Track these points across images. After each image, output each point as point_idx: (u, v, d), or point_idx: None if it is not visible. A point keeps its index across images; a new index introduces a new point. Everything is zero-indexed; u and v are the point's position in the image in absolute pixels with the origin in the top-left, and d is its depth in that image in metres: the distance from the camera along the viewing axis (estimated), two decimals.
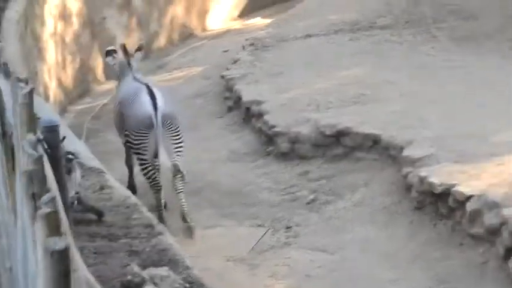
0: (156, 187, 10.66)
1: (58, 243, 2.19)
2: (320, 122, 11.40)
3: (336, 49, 14.97)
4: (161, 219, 9.83)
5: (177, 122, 10.83)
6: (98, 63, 18.49)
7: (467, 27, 15.16)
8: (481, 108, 11.01)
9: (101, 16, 18.72)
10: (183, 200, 10.40)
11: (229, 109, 14.08)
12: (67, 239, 2.29)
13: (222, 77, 15.04)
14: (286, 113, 12.09)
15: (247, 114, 13.16)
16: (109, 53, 11.70)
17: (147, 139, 10.53)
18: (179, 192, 10.46)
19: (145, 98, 10.65)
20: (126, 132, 10.92)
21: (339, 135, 11.06)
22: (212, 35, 21.50)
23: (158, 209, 10.39)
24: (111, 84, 17.85)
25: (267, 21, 19.88)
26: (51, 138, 4.11)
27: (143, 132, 10.55)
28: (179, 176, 10.45)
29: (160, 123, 10.48)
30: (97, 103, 16.97)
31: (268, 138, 11.98)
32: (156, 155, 10.49)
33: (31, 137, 3.46)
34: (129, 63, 11.45)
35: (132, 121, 10.71)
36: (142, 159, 10.66)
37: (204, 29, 21.98)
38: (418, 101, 11.50)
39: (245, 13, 22.95)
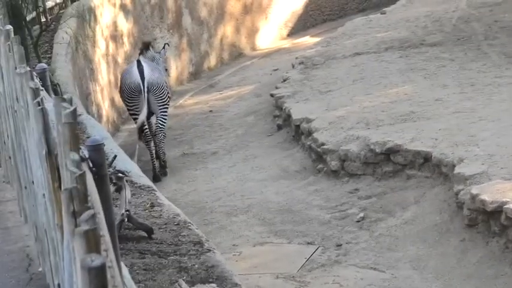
0: (146, 138, 13.80)
1: (95, 260, 2.15)
2: (370, 139, 11.26)
3: (385, 67, 14.85)
4: (154, 168, 13.25)
5: (161, 88, 13.64)
6: None
7: None
8: None
9: (152, 37, 18.85)
10: (162, 152, 13.62)
11: (279, 127, 14.07)
12: (105, 257, 2.24)
13: (272, 95, 15.07)
14: (335, 131, 12.00)
15: (297, 132, 13.12)
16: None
17: (138, 102, 13.56)
18: (159, 144, 13.61)
19: (135, 70, 13.57)
20: (124, 99, 13.92)
21: (389, 153, 10.92)
22: (262, 54, 21.60)
23: (151, 158, 13.41)
24: None
25: (316, 39, 19.93)
26: (96, 157, 4.06)
27: (134, 96, 13.56)
28: (159, 132, 13.64)
29: (146, 88, 13.43)
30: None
31: (318, 156, 11.89)
32: (149, 116, 13.55)
33: (74, 155, 3.41)
34: (141, 53, 14.17)
35: (126, 88, 13.72)
36: (136, 118, 13.72)
37: (253, 48, 22.06)
38: (469, 118, 11.31)
39: (294, 32, 23.00)
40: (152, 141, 13.66)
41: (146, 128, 13.61)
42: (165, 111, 13.77)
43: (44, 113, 4.15)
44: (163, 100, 13.64)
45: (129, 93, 13.59)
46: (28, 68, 4.84)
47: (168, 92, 13.86)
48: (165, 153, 13.78)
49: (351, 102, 13.12)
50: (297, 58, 16.95)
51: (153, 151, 13.53)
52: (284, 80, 15.60)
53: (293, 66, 16.54)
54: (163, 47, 14.91)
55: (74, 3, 16.32)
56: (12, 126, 6.33)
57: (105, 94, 16.44)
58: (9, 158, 7.26)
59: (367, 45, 16.44)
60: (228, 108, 16.77)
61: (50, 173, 4.12)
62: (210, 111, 16.85)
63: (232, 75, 19.79)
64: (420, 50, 15.45)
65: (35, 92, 4.33)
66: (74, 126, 3.55)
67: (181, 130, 16.01)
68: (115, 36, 17.44)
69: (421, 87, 13.23)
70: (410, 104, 12.36)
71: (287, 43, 22.29)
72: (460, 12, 17.25)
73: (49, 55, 13.75)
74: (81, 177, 2.93)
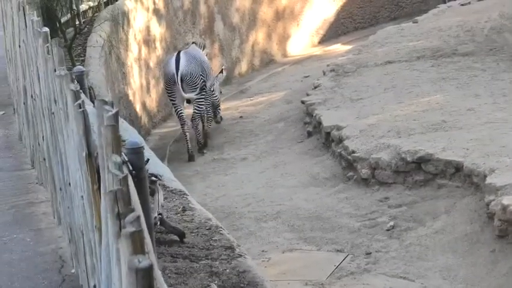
0: (181, 121, 15.38)
1: (142, 262, 2.17)
2: (401, 148, 11.22)
3: (416, 75, 14.82)
4: (188, 149, 14.88)
5: (194, 76, 15.25)
6: None
7: None
8: None
9: (184, 42, 18.93)
10: (198, 134, 15.31)
11: (309, 134, 14.06)
12: (151, 258, 2.26)
13: (303, 102, 15.07)
14: (366, 139, 11.98)
15: (327, 139, 13.11)
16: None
17: (173, 90, 15.20)
18: (195, 128, 15.33)
19: (172, 61, 15.25)
20: (164, 87, 15.81)
21: (420, 162, 10.88)
22: (293, 61, 21.61)
23: (186, 141, 15.06)
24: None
25: (348, 47, 19.94)
26: (135, 160, 4.12)
27: (170, 85, 15.22)
28: (196, 118, 15.36)
29: (180, 79, 15.03)
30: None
31: (348, 163, 11.87)
32: (183, 102, 15.25)
33: (116, 158, 3.45)
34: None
35: (164, 78, 15.61)
36: (173, 104, 15.47)
37: (284, 55, 22.10)
38: (501, 129, 11.25)
39: (325, 39, 23.01)
40: (186, 125, 15.17)
41: (182, 113, 15.19)
42: (201, 99, 15.32)
43: (84, 115, 4.20)
44: (197, 88, 15.15)
45: (166, 82, 15.30)
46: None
47: (203, 82, 15.33)
48: (201, 134, 15.44)
49: (382, 110, 13.08)
50: (328, 65, 16.95)
51: (187, 133, 15.00)
52: (315, 87, 15.60)
53: (324, 74, 16.53)
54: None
55: (108, 7, 16.41)
56: (49, 128, 6.38)
57: (136, 98, 16.52)
58: (44, 159, 7.32)
59: (399, 54, 16.40)
60: (259, 114, 16.79)
61: (89, 175, 4.16)
62: (241, 117, 16.88)
63: (263, 82, 19.82)
64: (452, 59, 15.40)
65: (76, 94, 4.37)
66: (116, 128, 3.59)
67: (211, 135, 16.05)
68: (147, 41, 17.53)
69: (452, 96, 13.17)
70: (442, 114, 12.31)
71: (318, 50, 22.31)
72: (492, 23, 17.15)
73: (82, 58, 13.83)
74: (125, 180, 2.96)
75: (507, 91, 13.13)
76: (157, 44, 17.98)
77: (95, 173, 4.10)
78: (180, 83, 14.97)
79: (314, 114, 13.97)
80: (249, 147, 14.78)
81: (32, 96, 7.64)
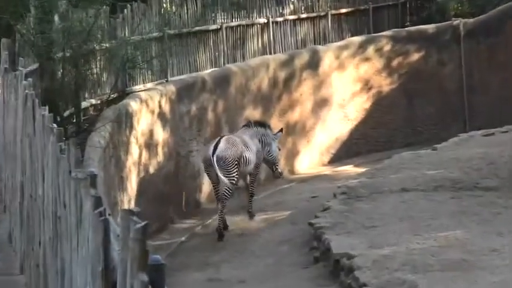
0: (216, 197, 17.62)
1: None
2: (417, 285, 11.03)
3: (435, 207, 14.73)
4: (222, 218, 17.26)
5: (227, 162, 17.45)
6: (179, 198, 18.56)
7: None
8: None
9: (187, 149, 18.96)
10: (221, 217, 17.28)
11: (316, 260, 13.90)
12: None
13: (310, 224, 14.93)
14: (379, 271, 11.80)
15: (336, 268, 12.92)
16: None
17: (209, 172, 17.67)
18: (221, 210, 17.38)
19: (211, 145, 17.73)
20: None
21: None
22: (300, 178, 21.61)
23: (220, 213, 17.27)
24: (189, 223, 17.98)
25: (360, 170, 19.97)
26: (157, 278, 4.00)
27: (206, 166, 17.76)
28: (223, 200, 17.43)
29: (215, 162, 17.27)
30: (174, 240, 16.95)
31: None
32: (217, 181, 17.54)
33: (143, 277, 3.35)
34: (246, 125, 18.97)
35: (202, 160, 18.20)
36: (212, 183, 17.95)
37: (292, 171, 22.08)
38: None
39: (336, 159, 23.03)
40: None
41: (217, 191, 17.54)
42: (230, 179, 17.39)
43: (105, 224, 4.10)
44: (229, 173, 17.34)
45: (203, 164, 17.81)
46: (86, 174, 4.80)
47: (235, 167, 17.53)
48: (223, 218, 17.35)
49: (397, 241, 12.94)
50: (339, 187, 16.90)
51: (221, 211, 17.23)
52: (324, 209, 15.50)
53: (334, 196, 16.41)
54: (280, 130, 19.10)
55: (111, 107, 16.46)
56: (50, 232, 6.25)
57: (132, 205, 16.33)
58: (37, 266, 7.15)
59: (416, 182, 16.31)
60: (261, 233, 16.66)
61: None
62: (241, 234, 16.74)
63: (268, 198, 19.74)
64: (474, 193, 15.32)
65: (97, 201, 4.28)
66: (144, 243, 3.50)
67: (208, 252, 15.87)
68: (149, 145, 17.53)
69: (474, 233, 13.05)
70: (462, 251, 12.16)
71: (328, 170, 22.29)
72: None
73: (81, 158, 13.73)
74: None
75: None
76: (159, 149, 17.98)
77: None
78: (215, 166, 17.26)
79: (322, 239, 13.83)
80: (249, 269, 14.60)
81: (31, 196, 7.52)
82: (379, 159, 20.42)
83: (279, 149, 19.19)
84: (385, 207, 14.89)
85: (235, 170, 17.53)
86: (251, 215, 18.02)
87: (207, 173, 17.78)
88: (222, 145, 17.43)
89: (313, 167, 22.60)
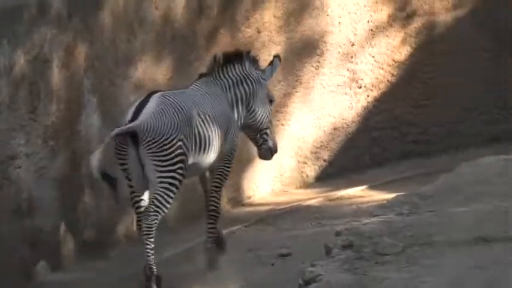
0: (137, 218, 11.92)
1: None
2: None
3: None
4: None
5: (162, 140, 11.81)
6: None
7: None
8: None
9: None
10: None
11: None
12: None
13: None
14: None
15: None
16: None
17: (123, 157, 12.41)
18: (145, 236, 11.53)
19: (132, 107, 12.18)
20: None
21: None
22: (254, 214, 14.48)
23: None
24: None
25: (384, 195, 13.64)
26: None
27: (118, 148, 12.15)
28: (151, 214, 11.55)
29: (140, 139, 11.73)
30: None
31: None
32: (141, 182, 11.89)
33: None
34: (213, 69, 12.78)
35: (108, 137, 12.66)
36: (132, 192, 12.30)
37: (238, 200, 14.90)
38: None
39: (332, 173, 15.11)
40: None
41: (139, 205, 10.95)
42: (167, 186, 10.87)
43: None
44: (166, 165, 10.68)
45: (115, 144, 10.99)
46: None
47: (178, 153, 10.84)
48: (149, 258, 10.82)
49: None
50: (338, 233, 10.92)
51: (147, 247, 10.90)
52: (305, 284, 11.32)
53: (328, 253, 11.00)
54: (276, 57, 12.31)
55: None
56: None
57: None
58: None
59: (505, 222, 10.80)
60: None
61: None
62: None
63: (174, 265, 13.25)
64: None
65: None
66: None
67: None
68: None
69: None
70: None
71: (314, 194, 14.67)
72: None
73: None
74: None
75: None
76: None
77: None
78: (133, 146, 11.58)
79: None
80: None
81: None
82: (426, 172, 13.75)
83: (272, 101, 12.19)
84: (442, 279, 9.48)
85: (177, 160, 11.08)
86: (211, 252, 12.18)
87: (119, 162, 11.04)
88: (151, 106, 11.14)
89: (283, 190, 14.33)
